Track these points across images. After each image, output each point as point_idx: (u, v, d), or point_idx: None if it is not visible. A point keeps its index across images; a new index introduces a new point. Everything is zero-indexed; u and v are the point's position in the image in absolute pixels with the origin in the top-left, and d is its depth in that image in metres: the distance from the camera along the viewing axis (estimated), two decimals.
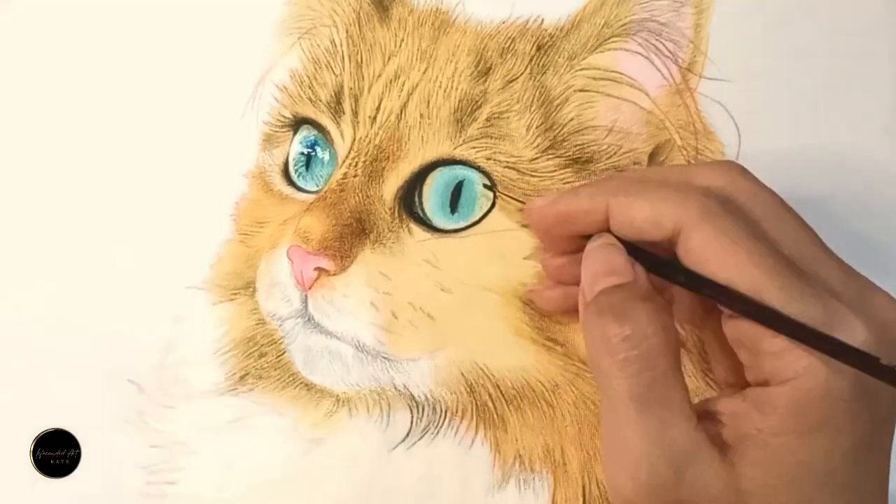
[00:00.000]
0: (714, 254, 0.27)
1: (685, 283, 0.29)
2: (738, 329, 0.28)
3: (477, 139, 0.36)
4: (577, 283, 0.30)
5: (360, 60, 0.37)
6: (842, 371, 0.26)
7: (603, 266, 0.30)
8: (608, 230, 0.30)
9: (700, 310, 0.31)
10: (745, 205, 0.29)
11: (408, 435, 0.36)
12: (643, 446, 0.27)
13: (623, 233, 0.29)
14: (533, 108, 0.36)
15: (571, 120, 0.36)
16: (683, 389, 0.27)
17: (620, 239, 0.30)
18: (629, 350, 0.27)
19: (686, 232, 0.28)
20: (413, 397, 0.36)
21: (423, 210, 0.36)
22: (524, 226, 0.35)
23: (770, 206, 0.29)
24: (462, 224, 0.36)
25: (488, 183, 0.35)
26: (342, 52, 0.38)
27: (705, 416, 0.28)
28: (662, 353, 0.27)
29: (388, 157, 0.36)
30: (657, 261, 0.29)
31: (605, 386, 0.28)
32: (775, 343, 0.26)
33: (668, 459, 0.27)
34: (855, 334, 0.26)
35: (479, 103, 0.36)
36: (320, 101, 0.38)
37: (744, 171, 0.30)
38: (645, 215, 0.29)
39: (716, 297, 0.28)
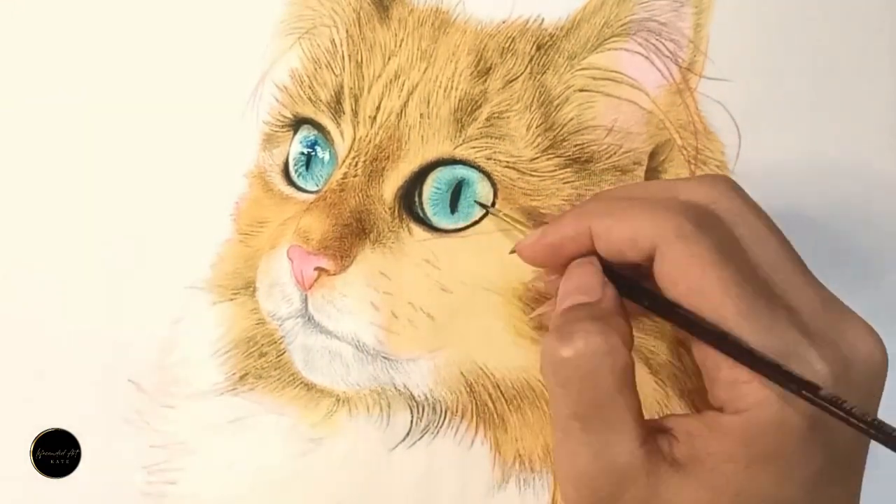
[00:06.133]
0: (683, 276, 0.27)
1: (649, 307, 0.28)
2: (702, 353, 0.27)
3: (477, 139, 0.36)
4: None
5: (360, 60, 0.37)
6: (796, 404, 0.25)
7: (573, 284, 0.29)
8: (596, 252, 0.30)
9: None
10: (728, 223, 0.28)
11: (408, 435, 0.36)
12: (585, 462, 0.27)
13: (606, 254, 0.29)
14: (533, 108, 0.36)
15: (571, 120, 0.36)
16: (630, 409, 0.27)
17: (602, 259, 0.29)
18: (570, 371, 0.27)
19: (659, 252, 0.27)
20: (413, 397, 0.36)
21: (423, 210, 0.36)
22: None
23: (753, 227, 0.28)
24: (462, 224, 0.36)
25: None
26: (342, 51, 0.38)
27: (663, 432, 0.28)
28: (604, 375, 0.27)
29: (388, 156, 0.36)
30: (626, 282, 0.29)
31: (551, 401, 0.28)
32: (732, 373, 0.26)
33: (608, 476, 0.27)
34: (812, 368, 0.25)
35: (479, 103, 0.36)
36: (320, 100, 0.38)
37: (732, 188, 0.29)
38: (623, 236, 0.28)
39: (677, 322, 0.27)
